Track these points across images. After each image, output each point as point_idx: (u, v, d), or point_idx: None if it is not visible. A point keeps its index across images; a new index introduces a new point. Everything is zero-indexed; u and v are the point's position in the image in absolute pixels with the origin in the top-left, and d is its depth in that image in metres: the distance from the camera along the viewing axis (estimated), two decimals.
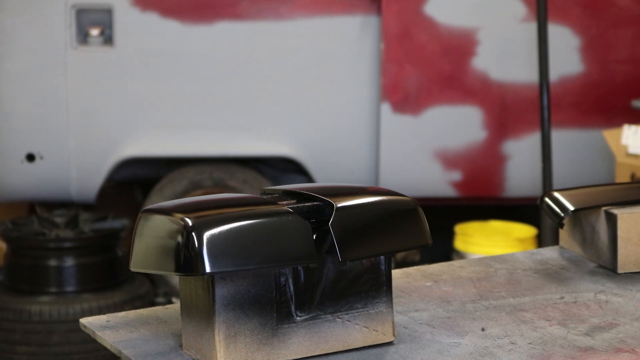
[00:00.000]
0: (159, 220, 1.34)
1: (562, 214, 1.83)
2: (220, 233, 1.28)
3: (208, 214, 1.31)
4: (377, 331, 1.42)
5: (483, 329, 1.50)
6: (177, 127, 4.56)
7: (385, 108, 4.51)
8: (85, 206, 4.71)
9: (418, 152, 4.57)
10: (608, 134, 4.00)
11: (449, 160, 4.58)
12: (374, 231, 1.37)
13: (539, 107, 3.90)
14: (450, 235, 4.66)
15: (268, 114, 4.56)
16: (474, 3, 4.55)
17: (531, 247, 4.51)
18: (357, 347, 1.42)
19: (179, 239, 1.28)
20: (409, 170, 4.57)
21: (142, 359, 1.39)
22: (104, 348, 1.48)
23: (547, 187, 3.81)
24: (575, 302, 1.63)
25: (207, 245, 1.26)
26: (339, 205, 1.36)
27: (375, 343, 1.43)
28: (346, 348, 1.41)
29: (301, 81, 4.53)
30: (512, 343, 1.44)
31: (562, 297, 1.65)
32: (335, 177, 4.55)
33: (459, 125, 4.57)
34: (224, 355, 1.33)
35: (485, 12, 4.54)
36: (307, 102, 4.55)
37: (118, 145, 4.51)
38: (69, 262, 4.00)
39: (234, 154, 4.61)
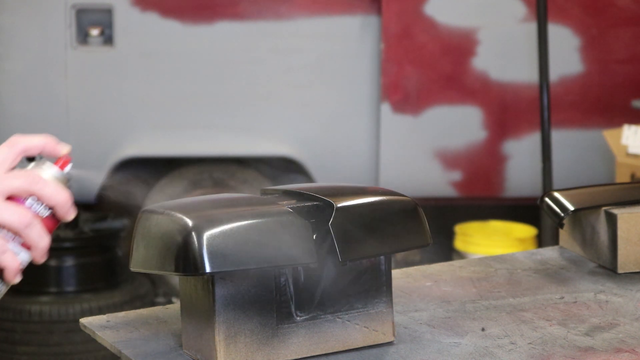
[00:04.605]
0: (159, 220, 1.34)
1: (562, 214, 1.83)
2: (220, 233, 1.27)
3: (208, 214, 1.31)
4: (377, 331, 1.42)
5: (483, 329, 1.50)
6: (177, 127, 4.56)
7: (385, 108, 4.51)
8: (85, 206, 4.71)
9: (418, 152, 4.57)
10: (608, 134, 3.99)
11: (449, 160, 4.58)
12: (374, 231, 1.37)
13: (539, 107, 3.90)
14: (450, 235, 4.65)
15: (268, 114, 4.55)
16: (474, 3, 4.55)
17: (531, 247, 4.51)
18: (357, 347, 1.42)
19: (179, 239, 1.28)
20: (409, 170, 4.57)
21: (142, 359, 1.38)
22: (104, 348, 1.48)
23: (547, 187, 3.81)
24: (575, 302, 1.63)
25: (207, 245, 1.26)
26: (339, 205, 1.35)
27: (375, 343, 1.43)
28: (346, 348, 1.41)
29: (301, 81, 4.53)
30: (512, 343, 1.44)
31: (562, 297, 1.65)
32: (335, 177, 4.55)
33: (459, 125, 4.57)
34: (224, 355, 1.33)
35: (485, 12, 4.54)
36: (307, 102, 4.55)
37: (118, 145, 4.51)
38: (69, 262, 4.01)
39: (234, 154, 4.61)
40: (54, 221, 1.24)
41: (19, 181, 1.20)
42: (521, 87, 4.53)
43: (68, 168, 1.26)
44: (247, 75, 4.53)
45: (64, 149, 1.26)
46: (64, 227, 4.18)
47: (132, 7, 4.46)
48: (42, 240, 1.21)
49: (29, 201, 1.21)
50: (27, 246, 1.21)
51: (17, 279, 1.21)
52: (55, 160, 1.25)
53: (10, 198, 1.21)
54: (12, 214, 1.19)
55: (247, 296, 1.33)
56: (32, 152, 1.25)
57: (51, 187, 1.22)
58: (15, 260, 1.20)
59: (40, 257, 1.22)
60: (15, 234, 1.20)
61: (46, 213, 1.23)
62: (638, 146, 3.75)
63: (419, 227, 1.42)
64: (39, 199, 1.22)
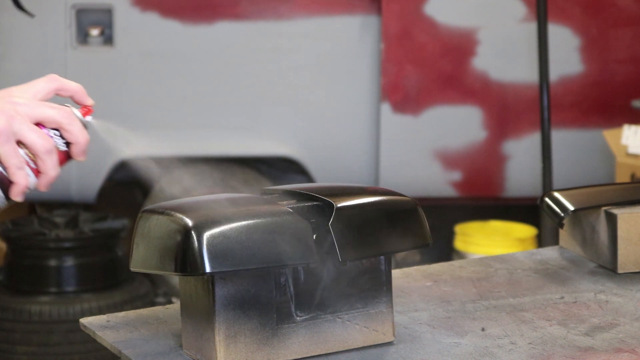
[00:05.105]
0: (159, 220, 1.34)
1: (562, 214, 1.83)
2: (220, 233, 1.27)
3: (208, 214, 1.31)
4: (377, 331, 1.42)
5: (483, 329, 1.50)
6: (177, 127, 4.55)
7: (385, 108, 4.51)
8: (85, 206, 4.71)
9: (418, 152, 4.57)
10: (608, 134, 4.00)
11: (449, 160, 4.58)
12: (374, 231, 1.37)
13: (539, 107, 3.90)
14: (450, 235, 4.65)
15: (268, 114, 4.55)
16: (474, 3, 4.55)
17: (531, 247, 4.51)
18: (357, 347, 1.42)
19: (179, 239, 1.28)
20: (409, 170, 4.57)
21: (142, 359, 1.39)
22: (104, 348, 1.48)
23: (547, 187, 3.81)
24: (575, 302, 1.63)
25: (207, 245, 1.26)
26: (339, 205, 1.36)
27: (375, 343, 1.43)
28: (346, 348, 1.41)
29: (301, 81, 4.53)
30: (512, 343, 1.44)
31: (562, 297, 1.65)
32: (335, 177, 4.55)
33: (459, 125, 4.56)
34: (224, 355, 1.33)
35: (485, 12, 4.53)
36: (307, 102, 4.54)
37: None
38: (69, 262, 4.00)
39: (234, 154, 4.61)
40: (66, 157, 1.34)
41: (52, 111, 1.33)
42: (521, 87, 4.53)
43: (89, 118, 1.41)
44: (247, 75, 4.53)
45: (90, 100, 1.43)
46: (64, 227, 4.18)
47: (132, 7, 4.46)
48: (54, 169, 1.31)
49: (52, 132, 1.32)
50: (36, 172, 1.30)
51: (19, 198, 1.30)
52: (80, 107, 1.40)
53: (36, 124, 1.31)
54: (38, 137, 1.29)
55: (247, 296, 1.33)
56: (65, 93, 1.41)
57: (78, 125, 1.35)
58: (26, 179, 1.29)
59: (45, 186, 1.32)
60: (32, 157, 1.29)
61: (63, 148, 1.33)
62: (638, 146, 3.75)
63: (419, 227, 1.42)
64: (62, 133, 1.33)
